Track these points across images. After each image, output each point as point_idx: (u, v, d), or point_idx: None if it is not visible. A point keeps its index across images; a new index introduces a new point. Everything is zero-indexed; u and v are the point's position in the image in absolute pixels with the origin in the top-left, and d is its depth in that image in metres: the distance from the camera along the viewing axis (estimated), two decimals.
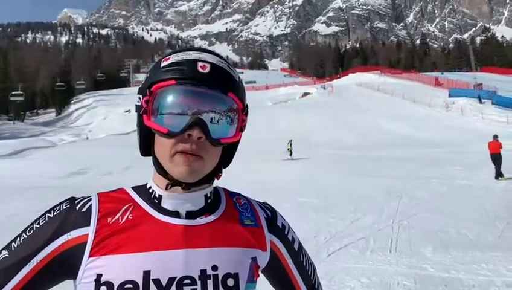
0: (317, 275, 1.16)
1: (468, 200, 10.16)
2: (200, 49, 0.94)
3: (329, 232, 7.41)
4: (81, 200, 0.93)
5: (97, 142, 38.94)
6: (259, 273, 1.00)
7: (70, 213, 0.90)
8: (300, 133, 36.52)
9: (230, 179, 1.03)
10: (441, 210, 9.11)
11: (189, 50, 0.93)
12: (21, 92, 64.82)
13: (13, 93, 65.01)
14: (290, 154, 24.00)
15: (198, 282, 0.87)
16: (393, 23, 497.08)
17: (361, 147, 28.19)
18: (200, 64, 0.88)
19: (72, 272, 0.87)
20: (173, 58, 0.90)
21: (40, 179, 16.75)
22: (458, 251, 6.14)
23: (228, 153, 0.99)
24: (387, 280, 5.06)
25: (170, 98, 0.87)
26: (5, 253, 0.89)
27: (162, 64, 0.90)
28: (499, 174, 13.26)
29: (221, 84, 0.88)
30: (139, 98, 0.91)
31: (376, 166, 18.43)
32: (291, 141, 25.01)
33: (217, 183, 1.03)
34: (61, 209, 0.91)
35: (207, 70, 0.87)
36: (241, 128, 0.94)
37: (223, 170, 1.01)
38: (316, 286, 1.14)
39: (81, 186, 13.96)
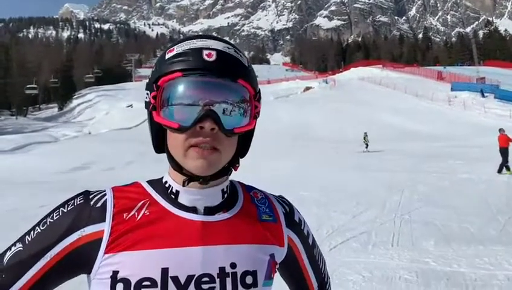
0: (326, 268, 1.16)
1: (470, 194, 10.15)
2: (204, 36, 0.90)
3: (331, 227, 7.42)
4: (96, 195, 0.90)
5: (99, 137, 38.97)
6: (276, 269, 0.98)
7: (85, 208, 0.88)
8: (302, 128, 36.54)
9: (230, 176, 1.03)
10: (443, 204, 9.11)
11: (194, 38, 0.89)
12: (35, 86, 66.15)
13: (28, 86, 66.43)
14: (366, 147, 24.04)
15: (217, 280, 0.85)
16: (396, 17, 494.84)
17: (362, 141, 28.16)
18: (205, 52, 0.84)
19: (86, 268, 0.86)
20: (177, 49, 0.87)
21: (42, 174, 16.80)
22: (460, 245, 6.14)
23: (244, 142, 0.96)
24: (389, 274, 5.07)
25: (178, 91, 0.83)
26: (19, 246, 0.87)
27: (167, 56, 0.87)
28: (506, 168, 13.18)
29: (229, 72, 0.85)
30: (147, 94, 0.87)
31: (378, 160, 18.44)
32: (366, 133, 24.97)
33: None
34: (76, 204, 0.89)
35: (213, 58, 0.84)
36: (255, 116, 0.91)
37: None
38: (326, 280, 1.14)
39: (83, 181, 14.00)
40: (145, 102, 0.89)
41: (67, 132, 45.11)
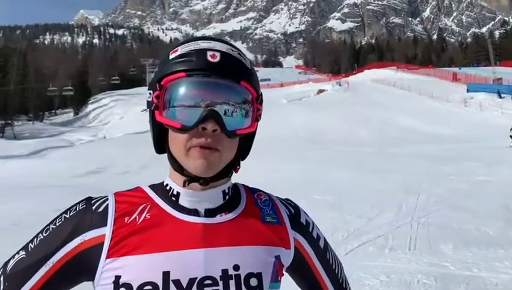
0: (344, 274, 1.11)
1: (488, 197, 9.95)
2: (208, 38, 0.90)
3: (347, 230, 7.33)
4: (98, 200, 0.91)
5: (114, 141, 39.32)
6: (284, 272, 0.97)
7: (87, 214, 0.88)
8: (316, 130, 36.35)
9: (242, 178, 1.02)
10: (460, 207, 8.94)
11: (198, 40, 0.89)
12: (71, 88, 69.20)
13: (64, 88, 69.36)
14: None
15: (220, 282, 0.83)
16: (410, 18, 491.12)
17: (377, 144, 27.91)
18: (209, 53, 0.84)
19: (89, 274, 0.86)
20: (181, 50, 0.87)
21: (58, 178, 16.98)
22: (479, 249, 6.01)
23: (245, 144, 0.96)
24: (406, 278, 4.98)
25: (181, 91, 0.84)
26: (22, 253, 0.88)
27: (171, 57, 0.87)
28: None
29: (232, 73, 0.85)
30: (150, 93, 0.88)
31: (393, 163, 18.22)
32: None
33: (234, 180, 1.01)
34: (78, 209, 0.90)
35: (217, 59, 0.84)
36: (256, 118, 0.91)
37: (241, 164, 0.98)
38: (344, 286, 1.09)
39: (98, 185, 14.10)
40: (147, 101, 0.89)
41: (83, 136, 45.58)
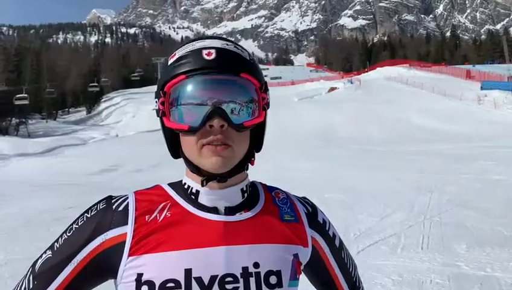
0: (358, 273, 1.13)
1: (502, 196, 9.82)
2: (204, 37, 0.91)
3: (359, 229, 7.30)
4: (118, 199, 0.92)
5: (126, 139, 39.62)
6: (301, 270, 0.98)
7: (107, 213, 0.90)
8: (327, 128, 36.22)
9: (253, 176, 1.02)
10: (474, 206, 8.84)
11: (194, 41, 0.91)
12: (96, 84, 70.70)
13: (90, 84, 70.60)
14: None
15: (241, 280, 0.85)
16: (422, 15, 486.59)
17: (389, 142, 27.71)
18: (204, 52, 0.85)
19: (112, 272, 0.87)
20: (179, 53, 0.88)
21: (72, 176, 17.16)
22: (493, 248, 5.94)
23: (257, 135, 0.95)
24: (419, 277, 4.94)
25: (184, 94, 0.85)
26: (49, 253, 0.91)
27: (170, 62, 0.89)
28: None
29: (231, 66, 0.85)
30: (156, 102, 0.89)
31: (405, 161, 18.07)
32: None
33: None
34: (98, 209, 0.91)
35: (213, 56, 0.85)
36: (263, 107, 0.91)
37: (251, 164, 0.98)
38: (358, 284, 1.11)
39: (111, 183, 14.24)
40: (156, 110, 0.91)
41: (95, 134, 45.95)
